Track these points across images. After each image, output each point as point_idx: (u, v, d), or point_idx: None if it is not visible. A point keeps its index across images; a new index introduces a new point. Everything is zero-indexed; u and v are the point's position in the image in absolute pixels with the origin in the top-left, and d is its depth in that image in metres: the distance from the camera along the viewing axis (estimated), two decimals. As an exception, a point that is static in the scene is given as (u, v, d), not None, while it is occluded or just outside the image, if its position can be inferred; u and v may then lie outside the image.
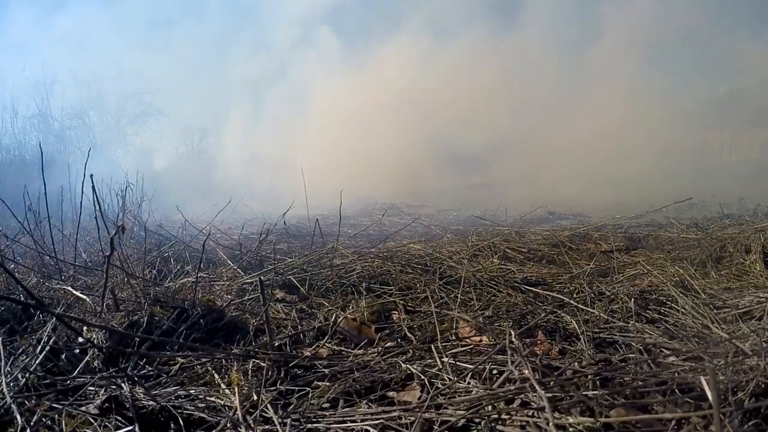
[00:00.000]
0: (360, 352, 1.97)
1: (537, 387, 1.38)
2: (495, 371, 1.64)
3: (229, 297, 2.71)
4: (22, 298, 2.18)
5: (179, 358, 1.89)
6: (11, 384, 1.59)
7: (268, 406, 1.46)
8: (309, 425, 1.39)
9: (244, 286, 2.99)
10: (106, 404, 1.46)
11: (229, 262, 3.52)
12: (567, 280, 2.92)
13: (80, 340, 1.90)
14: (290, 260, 3.53)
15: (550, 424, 1.23)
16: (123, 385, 1.62)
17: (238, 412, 1.42)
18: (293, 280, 2.99)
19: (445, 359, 1.76)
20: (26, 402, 1.49)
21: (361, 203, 9.95)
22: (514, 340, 1.83)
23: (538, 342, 1.97)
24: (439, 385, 1.58)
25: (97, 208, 2.67)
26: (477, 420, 1.35)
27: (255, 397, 1.52)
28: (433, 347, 1.89)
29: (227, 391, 1.60)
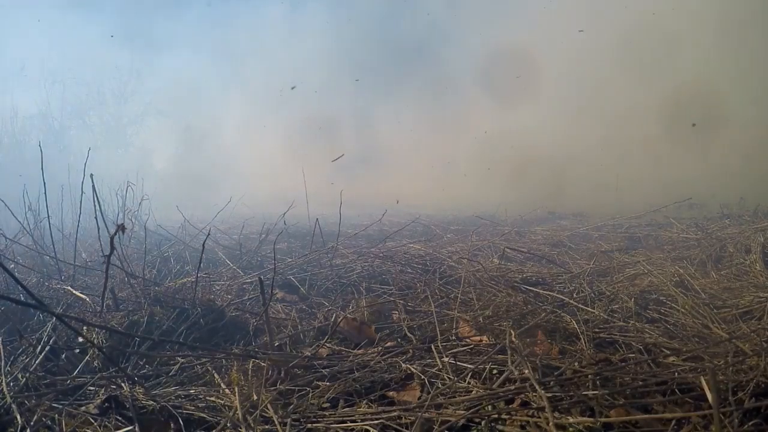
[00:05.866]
0: (360, 352, 1.97)
1: (537, 387, 1.38)
2: (495, 371, 1.64)
3: (229, 297, 2.71)
4: (22, 298, 2.17)
5: (179, 358, 1.89)
6: (11, 384, 1.59)
7: (268, 406, 1.46)
8: (309, 425, 1.39)
9: (244, 286, 2.99)
10: (106, 404, 1.46)
11: (229, 262, 3.52)
12: (567, 280, 2.92)
13: (80, 340, 1.90)
14: (290, 260, 3.53)
15: (550, 424, 1.23)
16: (123, 385, 1.62)
17: (238, 412, 1.42)
18: (293, 280, 3.00)
19: (445, 359, 1.76)
20: (26, 402, 1.49)
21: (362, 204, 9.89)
22: (514, 340, 1.83)
23: (538, 342, 1.97)
24: (439, 385, 1.58)
25: (97, 207, 2.67)
26: (477, 420, 1.35)
27: (255, 397, 1.52)
28: (433, 347, 1.89)
29: (227, 391, 1.60)
